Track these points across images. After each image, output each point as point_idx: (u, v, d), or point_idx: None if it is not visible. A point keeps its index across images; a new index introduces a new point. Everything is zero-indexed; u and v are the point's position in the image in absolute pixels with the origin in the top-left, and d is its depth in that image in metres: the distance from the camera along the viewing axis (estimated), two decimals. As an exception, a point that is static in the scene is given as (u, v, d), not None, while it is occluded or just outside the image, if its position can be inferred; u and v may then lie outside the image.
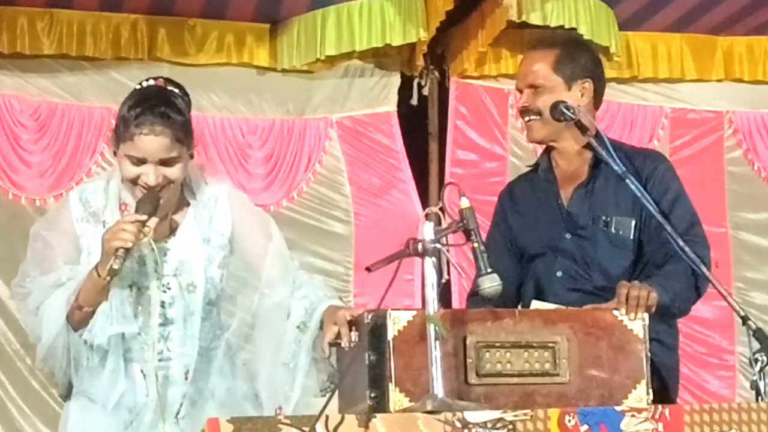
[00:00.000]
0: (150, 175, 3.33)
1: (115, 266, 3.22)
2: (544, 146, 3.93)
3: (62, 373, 3.40)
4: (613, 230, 3.69)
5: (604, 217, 3.70)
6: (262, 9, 6.23)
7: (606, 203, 3.71)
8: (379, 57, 6.54)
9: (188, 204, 3.50)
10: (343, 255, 6.42)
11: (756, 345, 3.21)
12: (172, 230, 3.46)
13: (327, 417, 2.73)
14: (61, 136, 6.13)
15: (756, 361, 3.19)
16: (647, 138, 6.80)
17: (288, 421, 2.72)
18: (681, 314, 3.67)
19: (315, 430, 2.70)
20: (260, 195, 6.34)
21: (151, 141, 3.32)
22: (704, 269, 3.45)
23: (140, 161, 3.34)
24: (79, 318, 3.32)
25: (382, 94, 6.59)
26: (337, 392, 3.03)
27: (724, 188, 6.90)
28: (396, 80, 6.60)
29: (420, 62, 6.44)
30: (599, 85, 3.82)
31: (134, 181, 3.34)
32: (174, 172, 3.37)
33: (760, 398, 3.15)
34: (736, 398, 6.50)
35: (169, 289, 3.41)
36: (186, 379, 3.40)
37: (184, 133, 3.38)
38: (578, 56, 3.82)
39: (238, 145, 6.38)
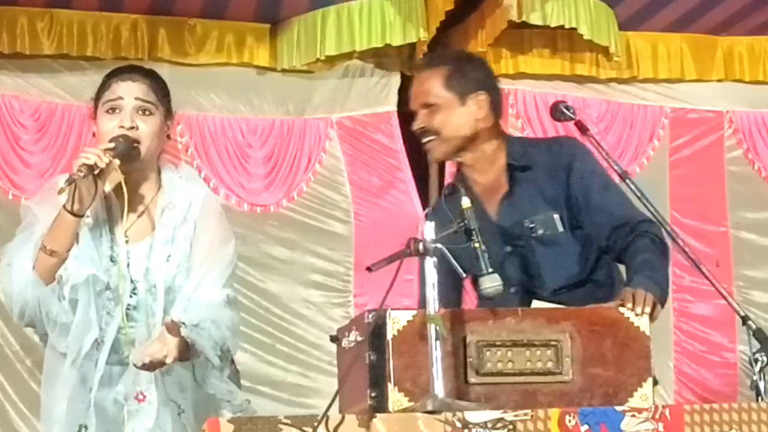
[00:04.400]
0: (126, 119, 3.32)
1: (76, 177, 3.16)
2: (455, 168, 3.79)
3: (42, 335, 3.35)
4: (540, 232, 3.58)
5: (528, 225, 3.59)
6: (262, 9, 6.24)
7: (528, 209, 3.60)
8: (379, 57, 6.54)
9: (160, 187, 3.43)
10: (343, 255, 6.42)
11: (756, 345, 3.21)
12: (152, 229, 3.39)
13: (327, 417, 2.73)
14: (61, 137, 6.13)
15: (756, 361, 3.19)
16: (647, 138, 6.81)
17: (288, 421, 2.72)
18: (666, 299, 3.60)
19: (315, 430, 2.70)
20: (260, 195, 6.35)
21: (128, 84, 3.37)
22: (704, 269, 3.44)
23: (116, 106, 3.33)
24: (48, 266, 3.25)
25: (382, 94, 6.60)
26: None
27: (724, 188, 6.91)
28: (396, 80, 6.61)
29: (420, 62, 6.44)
30: (495, 95, 3.68)
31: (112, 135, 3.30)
32: (148, 126, 3.34)
33: (760, 398, 3.15)
34: (738, 396, 6.51)
35: (135, 294, 3.34)
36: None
37: (162, 92, 3.41)
38: (468, 70, 3.70)
39: (238, 145, 6.39)
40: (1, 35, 5.99)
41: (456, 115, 3.62)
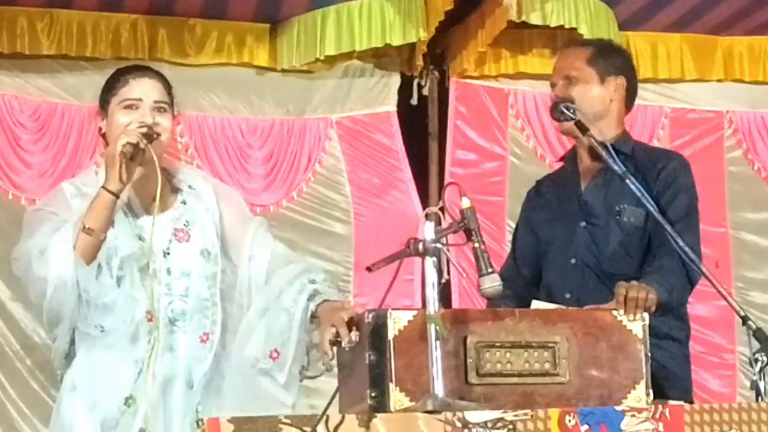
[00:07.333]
0: (146, 116, 3.42)
1: (125, 152, 3.29)
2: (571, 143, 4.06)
3: (69, 317, 3.37)
4: (624, 219, 3.79)
5: (616, 207, 3.80)
6: (262, 9, 6.24)
7: (620, 194, 3.77)
8: (379, 57, 6.54)
9: (179, 191, 3.56)
10: (343, 255, 6.42)
11: (756, 345, 3.22)
12: (177, 213, 3.53)
13: (327, 417, 2.74)
14: (61, 136, 6.13)
15: (756, 361, 3.20)
16: (647, 138, 6.79)
17: (288, 421, 2.73)
18: (679, 307, 3.73)
19: (315, 430, 2.71)
20: (260, 195, 6.34)
21: (146, 82, 3.48)
22: (703, 268, 3.47)
23: (134, 104, 3.44)
24: (88, 246, 3.31)
25: (382, 94, 6.59)
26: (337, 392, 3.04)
27: (724, 188, 6.91)
28: (396, 80, 6.60)
29: (420, 62, 6.44)
30: (632, 85, 3.97)
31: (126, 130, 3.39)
32: (164, 122, 3.46)
33: (760, 398, 3.15)
34: (737, 397, 6.51)
35: (168, 254, 3.46)
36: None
37: (170, 93, 3.53)
38: (613, 54, 3.98)
39: (238, 145, 6.38)
40: (1, 35, 5.99)
41: (593, 90, 3.86)
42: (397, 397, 2.91)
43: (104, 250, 3.34)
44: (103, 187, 3.33)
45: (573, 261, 3.83)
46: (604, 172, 3.84)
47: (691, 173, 3.91)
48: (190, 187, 3.58)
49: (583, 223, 3.85)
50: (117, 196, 3.33)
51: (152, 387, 3.35)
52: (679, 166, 3.89)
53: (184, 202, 3.54)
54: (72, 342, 3.45)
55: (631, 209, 3.77)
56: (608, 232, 3.80)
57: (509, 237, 6.26)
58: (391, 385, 2.91)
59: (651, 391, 3.12)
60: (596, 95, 3.87)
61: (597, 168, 3.87)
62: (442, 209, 3.10)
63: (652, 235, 3.77)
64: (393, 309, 2.98)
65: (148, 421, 3.34)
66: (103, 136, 3.56)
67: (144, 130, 3.37)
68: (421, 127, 6.65)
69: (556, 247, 3.88)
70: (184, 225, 3.51)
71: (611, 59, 3.94)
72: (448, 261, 3.00)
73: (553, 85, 3.94)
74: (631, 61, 4.09)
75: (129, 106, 3.46)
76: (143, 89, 3.47)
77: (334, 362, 3.30)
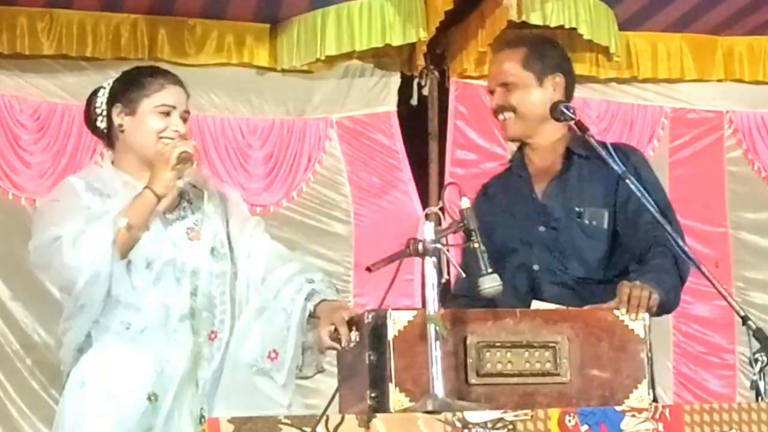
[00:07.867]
0: (179, 124, 3.48)
1: (183, 157, 3.38)
2: (517, 144, 3.95)
3: (93, 311, 3.37)
4: (586, 221, 3.69)
5: (577, 209, 3.70)
6: (262, 9, 6.24)
7: (580, 195, 3.71)
8: (379, 57, 6.54)
9: (186, 192, 3.58)
10: (343, 255, 6.42)
11: (756, 345, 3.22)
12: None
13: (327, 417, 2.74)
14: (61, 136, 6.13)
15: (756, 361, 3.19)
16: (647, 138, 6.80)
17: (288, 421, 2.73)
18: (674, 307, 3.68)
19: (315, 430, 2.71)
20: (260, 195, 6.35)
21: (178, 90, 3.53)
22: (703, 268, 3.45)
23: (169, 111, 3.48)
24: (126, 242, 3.35)
25: (382, 94, 6.60)
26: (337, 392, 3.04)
27: (724, 188, 6.91)
28: (396, 80, 6.61)
29: (420, 62, 6.44)
30: (570, 80, 3.83)
31: (159, 135, 3.45)
32: (186, 129, 3.52)
33: (760, 398, 3.15)
34: (737, 397, 6.51)
35: (182, 252, 3.50)
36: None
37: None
38: (547, 52, 3.84)
39: (238, 145, 6.39)
40: (1, 35, 5.99)
41: (533, 95, 3.76)
42: (397, 398, 2.91)
43: (141, 252, 3.38)
44: (149, 187, 3.38)
45: (536, 267, 3.70)
46: (563, 173, 3.77)
47: (649, 165, 3.82)
48: (195, 187, 3.60)
49: (542, 228, 3.72)
50: (160, 199, 3.39)
51: (174, 384, 3.38)
52: (641, 161, 3.80)
53: (190, 202, 3.56)
54: (87, 336, 3.44)
55: (592, 210, 3.68)
56: (570, 236, 3.69)
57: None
58: (391, 386, 2.91)
59: (652, 391, 3.12)
60: (536, 99, 3.75)
61: (553, 168, 3.78)
62: (442, 209, 3.10)
63: (621, 233, 3.70)
64: (393, 309, 2.98)
65: (169, 418, 3.37)
66: (114, 132, 3.55)
67: (193, 144, 3.47)
68: (421, 127, 6.65)
69: (515, 253, 3.73)
70: (195, 224, 3.53)
71: (546, 57, 3.81)
72: (448, 261, 3.00)
73: (491, 92, 3.84)
74: (566, 55, 3.94)
75: (164, 112, 3.49)
76: (177, 96, 3.52)
77: (327, 362, 3.31)
